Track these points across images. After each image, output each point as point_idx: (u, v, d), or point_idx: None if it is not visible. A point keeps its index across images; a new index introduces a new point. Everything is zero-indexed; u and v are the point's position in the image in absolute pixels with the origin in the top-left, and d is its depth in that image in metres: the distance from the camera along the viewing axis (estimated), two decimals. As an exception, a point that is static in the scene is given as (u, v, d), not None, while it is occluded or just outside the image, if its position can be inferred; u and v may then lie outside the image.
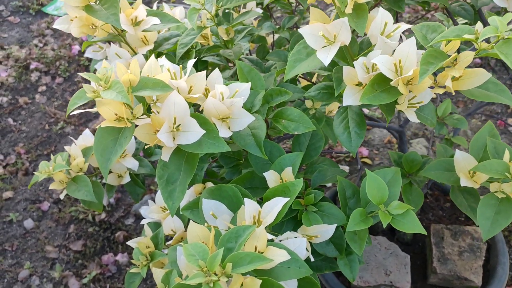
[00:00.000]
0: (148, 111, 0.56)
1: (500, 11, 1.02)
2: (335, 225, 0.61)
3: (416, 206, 0.74)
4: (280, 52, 0.82)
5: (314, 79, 0.92)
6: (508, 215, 0.62)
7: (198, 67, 0.89)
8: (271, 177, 0.63)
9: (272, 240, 0.53)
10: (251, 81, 0.67)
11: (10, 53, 2.17)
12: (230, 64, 0.91)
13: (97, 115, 1.89)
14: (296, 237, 0.55)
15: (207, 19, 0.82)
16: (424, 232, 0.57)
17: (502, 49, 0.48)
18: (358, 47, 0.63)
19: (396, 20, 1.02)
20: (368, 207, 0.63)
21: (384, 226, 0.57)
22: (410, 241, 1.15)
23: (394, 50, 0.55)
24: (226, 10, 0.92)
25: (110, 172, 0.91)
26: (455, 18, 0.87)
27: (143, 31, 0.76)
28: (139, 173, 0.93)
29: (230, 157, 0.79)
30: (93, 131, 0.88)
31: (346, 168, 1.60)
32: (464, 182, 0.65)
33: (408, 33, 0.70)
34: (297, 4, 1.09)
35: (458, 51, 0.55)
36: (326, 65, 0.55)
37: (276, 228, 0.64)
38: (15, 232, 1.49)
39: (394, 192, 0.63)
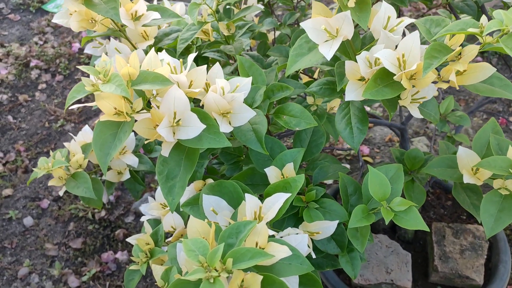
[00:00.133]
0: (148, 105, 0.55)
1: (503, 8, 1.01)
2: (337, 221, 0.61)
3: (418, 203, 0.74)
4: (282, 47, 0.82)
5: (315, 76, 0.91)
6: (512, 212, 0.61)
7: (198, 63, 0.88)
8: (272, 173, 0.63)
9: (273, 236, 0.53)
10: (252, 76, 0.66)
11: (10, 50, 2.17)
12: (231, 61, 0.90)
13: (97, 113, 1.88)
14: (297, 234, 0.55)
15: (208, 14, 0.81)
16: (427, 229, 0.57)
17: (508, 42, 0.47)
18: (361, 41, 0.62)
19: (398, 17, 1.01)
20: (370, 203, 0.62)
21: (387, 223, 0.56)
22: (411, 239, 1.15)
23: (397, 44, 0.54)
24: (227, 6, 0.92)
25: (110, 168, 0.91)
26: (458, 15, 0.86)
27: (143, 26, 0.75)
28: (139, 170, 0.93)
29: (230, 153, 0.79)
30: (93, 128, 0.87)
31: (347, 166, 1.59)
32: (467, 179, 0.65)
33: (412, 26, 0.69)
34: (299, 0, 1.08)
35: (462, 46, 0.54)
36: (329, 59, 0.55)
37: (277, 224, 0.64)
38: (14, 230, 1.48)
39: (397, 188, 0.62)
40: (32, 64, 2.09)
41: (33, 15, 2.43)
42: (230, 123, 0.57)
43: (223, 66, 0.91)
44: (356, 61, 0.56)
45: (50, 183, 0.83)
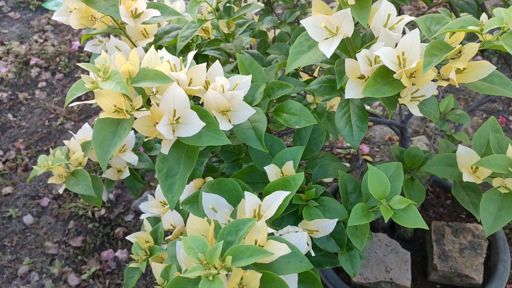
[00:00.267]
0: (147, 103, 0.55)
1: (504, 7, 1.01)
2: (336, 219, 0.61)
3: (418, 202, 0.73)
4: (282, 45, 0.82)
5: (315, 74, 0.91)
6: (511, 210, 0.61)
7: (198, 61, 0.88)
8: (272, 171, 0.63)
9: (272, 234, 0.53)
10: (252, 74, 0.66)
11: (10, 48, 2.17)
12: (231, 59, 0.90)
13: (97, 111, 1.88)
14: (296, 232, 0.55)
15: (208, 12, 0.81)
16: (426, 227, 0.57)
17: (508, 40, 0.47)
18: (361, 39, 0.62)
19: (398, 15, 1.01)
20: (370, 202, 0.62)
21: (386, 221, 0.56)
22: (410, 238, 1.15)
23: (397, 42, 0.54)
24: (227, 4, 0.92)
25: (110, 166, 0.91)
26: (458, 13, 0.86)
27: (143, 23, 0.75)
28: (139, 168, 0.93)
29: (230, 151, 0.79)
30: (93, 126, 0.87)
31: (347, 165, 1.59)
32: (467, 177, 0.65)
33: (412, 25, 0.69)
34: (299, -2, 1.08)
35: (462, 44, 0.54)
36: (328, 57, 0.54)
37: (277, 222, 0.64)
38: (14, 228, 1.48)
39: (396, 187, 0.62)
40: (32, 62, 2.09)
41: (33, 13, 2.43)
42: (229, 121, 0.57)
43: (223, 64, 0.91)
44: (356, 59, 0.56)
45: (50, 180, 0.83)
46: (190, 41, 0.83)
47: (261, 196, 0.57)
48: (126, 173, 0.90)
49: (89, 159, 0.89)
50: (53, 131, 1.81)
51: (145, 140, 0.65)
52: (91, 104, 1.83)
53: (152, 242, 0.74)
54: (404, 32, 0.58)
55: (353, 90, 0.57)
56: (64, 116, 1.85)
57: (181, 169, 0.56)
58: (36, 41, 2.23)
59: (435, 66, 0.52)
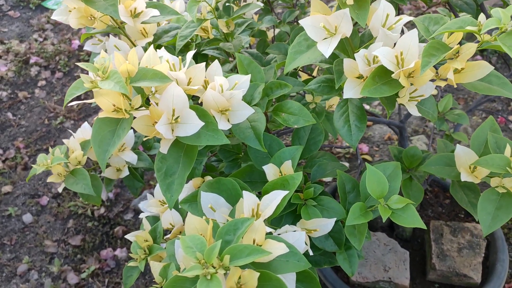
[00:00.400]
0: (146, 102, 0.56)
1: (503, 7, 1.01)
2: (334, 219, 0.61)
3: (416, 201, 0.74)
4: (281, 45, 0.82)
5: (314, 74, 0.91)
6: (509, 210, 0.61)
7: (198, 60, 0.88)
8: (270, 170, 0.63)
9: (270, 233, 0.53)
10: (251, 74, 0.66)
11: (10, 47, 2.17)
12: (231, 58, 0.90)
13: (96, 110, 1.88)
14: (295, 231, 0.55)
15: (207, 11, 0.81)
16: (424, 227, 0.57)
17: (506, 41, 0.48)
18: (360, 39, 0.62)
19: (398, 15, 1.01)
20: (368, 201, 0.62)
21: (384, 220, 0.56)
22: (409, 237, 1.15)
23: (396, 42, 0.54)
24: (227, 3, 0.92)
25: (109, 165, 0.91)
26: (457, 13, 0.86)
27: (142, 23, 0.75)
28: (138, 167, 0.93)
29: (229, 151, 0.79)
30: (92, 125, 0.87)
31: (346, 165, 1.59)
32: (465, 177, 0.65)
33: (411, 25, 0.69)
34: (298, -2, 1.08)
35: (460, 44, 0.54)
36: (327, 57, 0.55)
37: (275, 221, 0.64)
38: (14, 227, 1.49)
39: (394, 186, 0.62)
40: (31, 61, 2.09)
41: (33, 12, 2.43)
42: (228, 121, 0.57)
43: (223, 63, 0.92)
44: (354, 58, 0.56)
45: (49, 179, 0.84)
46: (190, 41, 0.84)
47: (259, 195, 0.57)
48: (125, 172, 0.91)
49: (88, 158, 0.89)
50: (52, 130, 1.81)
51: (144, 139, 0.65)
52: (90, 103, 1.83)
53: (151, 241, 0.74)
54: (402, 32, 0.58)
55: (351, 90, 0.57)
56: (63, 115, 1.85)
57: (180, 168, 0.56)
58: (36, 40, 2.23)
59: (433, 66, 0.53)
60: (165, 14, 0.76)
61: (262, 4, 0.86)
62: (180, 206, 0.65)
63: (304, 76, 0.90)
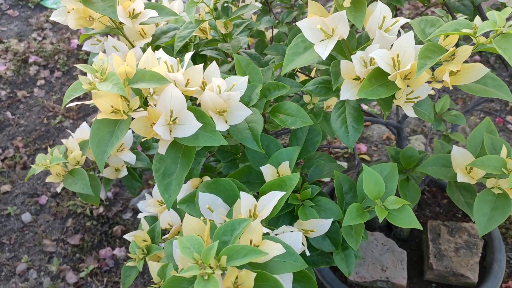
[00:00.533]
0: (145, 103, 0.56)
1: (500, 8, 1.02)
2: (331, 219, 0.61)
3: (413, 202, 0.74)
4: (278, 46, 0.82)
5: (312, 74, 0.92)
6: (505, 211, 0.62)
7: (196, 61, 0.88)
8: (268, 171, 0.63)
9: (267, 233, 0.53)
10: (248, 75, 0.66)
11: (9, 46, 2.17)
12: (229, 59, 0.91)
13: (95, 110, 1.89)
14: (292, 231, 0.55)
15: (206, 12, 0.81)
16: (420, 227, 0.57)
17: (501, 43, 0.48)
18: (357, 41, 0.62)
19: (395, 16, 1.01)
20: (365, 202, 0.63)
21: (380, 221, 0.57)
22: (406, 237, 1.15)
23: (392, 44, 0.55)
24: (225, 4, 0.92)
25: (108, 165, 0.91)
26: (455, 14, 0.86)
27: (141, 24, 0.75)
28: (137, 167, 0.93)
29: (227, 151, 0.79)
30: (91, 125, 0.88)
31: (344, 164, 1.60)
32: (461, 178, 0.65)
33: (408, 29, 0.70)
34: (296, -2, 1.08)
35: (457, 46, 0.55)
36: (324, 59, 0.55)
37: (273, 222, 0.64)
38: (13, 226, 1.49)
39: (391, 187, 0.63)
40: (30, 60, 2.09)
41: (32, 11, 2.43)
42: (226, 122, 0.58)
43: (221, 64, 0.92)
44: (351, 60, 0.57)
45: (48, 179, 0.84)
46: (188, 41, 0.84)
47: (257, 195, 0.57)
48: (124, 172, 0.91)
49: (87, 157, 0.89)
50: (51, 129, 1.81)
51: (143, 140, 0.65)
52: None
53: (149, 241, 0.75)
54: (399, 34, 0.59)
55: (348, 92, 0.58)
56: (62, 114, 1.86)
57: (178, 169, 0.57)
58: (35, 39, 2.23)
59: (429, 68, 0.53)
60: (164, 15, 0.77)
61: (260, 5, 0.87)
62: (178, 207, 0.65)
63: (302, 77, 0.90)
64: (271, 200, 0.54)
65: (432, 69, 0.57)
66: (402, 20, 0.57)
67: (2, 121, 1.85)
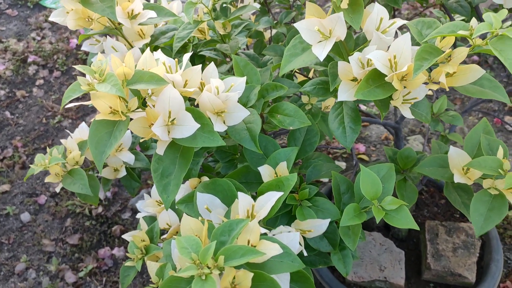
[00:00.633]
0: (143, 104, 0.56)
1: (498, 8, 1.02)
2: (329, 219, 0.62)
3: (410, 202, 0.74)
4: (277, 47, 0.82)
5: (310, 75, 0.92)
6: (501, 211, 0.62)
7: (195, 61, 0.89)
8: (266, 172, 0.64)
9: (265, 234, 0.54)
10: (247, 76, 0.67)
11: (8, 46, 2.17)
12: (228, 59, 0.91)
13: (94, 109, 1.89)
14: (289, 231, 0.56)
15: (204, 13, 0.82)
16: (417, 228, 0.57)
17: (496, 45, 0.48)
18: (354, 42, 0.63)
19: (394, 16, 1.02)
20: (362, 202, 0.63)
21: (377, 222, 0.57)
22: (405, 237, 1.16)
23: (390, 45, 0.55)
24: (224, 4, 0.92)
25: (106, 165, 0.91)
26: (452, 15, 0.87)
27: (140, 24, 0.75)
28: (135, 167, 0.94)
29: (225, 151, 0.79)
30: (90, 125, 0.88)
31: (343, 164, 1.60)
32: (458, 179, 0.65)
33: (407, 29, 0.70)
34: (295, -1, 1.09)
35: (455, 46, 0.55)
36: (321, 60, 0.55)
37: (271, 222, 0.65)
38: (11, 226, 1.49)
39: (388, 187, 0.63)
40: (29, 60, 2.09)
41: (31, 10, 2.43)
42: (224, 122, 0.58)
43: (220, 64, 0.92)
44: (349, 61, 0.57)
45: (47, 179, 0.84)
46: (187, 41, 0.84)
47: (255, 196, 0.57)
48: (123, 172, 0.91)
49: (86, 157, 0.89)
50: (50, 129, 1.81)
51: (141, 140, 0.66)
52: (88, 102, 1.84)
53: (148, 241, 0.75)
54: (396, 35, 0.59)
55: (345, 93, 0.58)
56: (61, 114, 1.86)
57: (176, 169, 0.57)
58: (34, 39, 2.23)
59: (426, 69, 0.53)
60: (162, 16, 0.77)
61: (258, 6, 0.87)
62: (176, 207, 0.65)
63: (300, 78, 0.90)
64: (269, 200, 0.54)
65: (431, 68, 0.57)
66: (399, 22, 0.58)
67: (1, 120, 1.85)
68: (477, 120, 1.70)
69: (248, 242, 0.49)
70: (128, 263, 0.75)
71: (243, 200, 0.54)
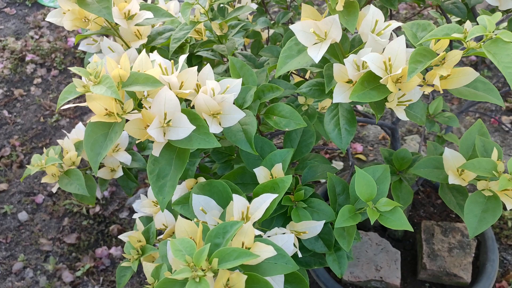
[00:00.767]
0: (139, 105, 0.56)
1: (495, 9, 1.02)
2: (323, 221, 0.62)
3: (405, 203, 0.75)
4: (273, 48, 0.83)
5: (307, 76, 0.92)
6: (495, 213, 0.62)
7: (192, 61, 0.89)
8: (261, 173, 0.64)
9: (260, 236, 0.54)
10: (243, 77, 0.67)
11: (6, 44, 2.16)
12: (225, 59, 0.91)
13: (92, 108, 1.89)
14: (284, 233, 0.56)
15: (201, 13, 0.82)
16: (411, 229, 0.58)
17: (490, 48, 0.49)
18: (350, 44, 0.63)
19: (391, 16, 1.02)
20: (357, 203, 0.63)
21: (372, 223, 0.58)
22: (401, 237, 1.16)
23: (385, 48, 0.55)
24: (221, 5, 0.92)
25: (103, 166, 0.91)
26: (449, 16, 0.87)
27: (136, 25, 0.75)
28: (132, 167, 0.94)
29: (222, 152, 0.80)
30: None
31: (340, 164, 1.61)
32: (452, 180, 0.66)
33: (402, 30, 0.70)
34: (292, -1, 1.09)
35: (452, 48, 0.55)
36: (317, 62, 0.55)
37: (266, 223, 0.65)
38: (9, 225, 1.49)
39: (383, 189, 0.63)
40: (27, 59, 2.09)
41: (29, 9, 2.43)
42: (220, 124, 0.58)
43: (217, 64, 0.92)
44: (344, 63, 0.57)
45: (44, 180, 0.84)
46: (184, 42, 0.84)
47: (251, 197, 0.58)
48: (120, 173, 0.91)
49: (82, 158, 0.89)
50: (48, 127, 1.81)
51: (138, 140, 0.66)
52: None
53: (144, 241, 0.75)
54: (392, 37, 0.59)
55: (341, 95, 0.58)
56: (59, 113, 1.86)
57: (172, 171, 0.57)
58: (32, 37, 2.22)
59: (421, 72, 0.53)
60: (159, 17, 0.77)
61: (255, 6, 0.87)
62: (173, 208, 0.66)
63: (296, 78, 0.90)
64: (264, 202, 0.54)
65: (426, 70, 0.57)
66: (394, 24, 0.58)
67: (-2, 119, 1.85)
68: (474, 120, 1.71)
69: (243, 244, 0.49)
70: (124, 264, 0.75)
71: (238, 202, 0.54)
